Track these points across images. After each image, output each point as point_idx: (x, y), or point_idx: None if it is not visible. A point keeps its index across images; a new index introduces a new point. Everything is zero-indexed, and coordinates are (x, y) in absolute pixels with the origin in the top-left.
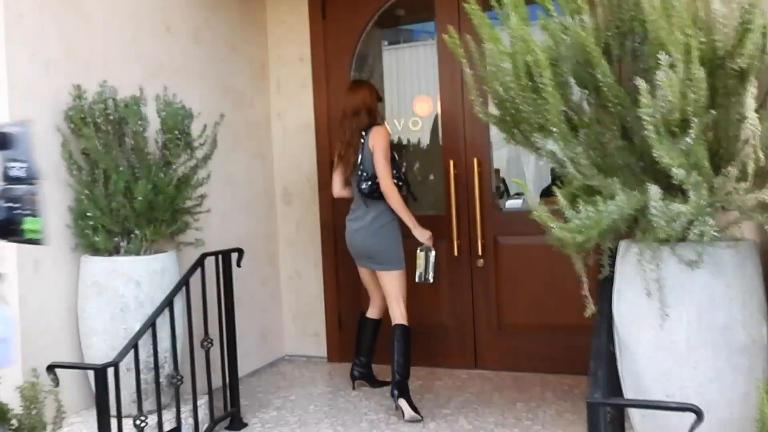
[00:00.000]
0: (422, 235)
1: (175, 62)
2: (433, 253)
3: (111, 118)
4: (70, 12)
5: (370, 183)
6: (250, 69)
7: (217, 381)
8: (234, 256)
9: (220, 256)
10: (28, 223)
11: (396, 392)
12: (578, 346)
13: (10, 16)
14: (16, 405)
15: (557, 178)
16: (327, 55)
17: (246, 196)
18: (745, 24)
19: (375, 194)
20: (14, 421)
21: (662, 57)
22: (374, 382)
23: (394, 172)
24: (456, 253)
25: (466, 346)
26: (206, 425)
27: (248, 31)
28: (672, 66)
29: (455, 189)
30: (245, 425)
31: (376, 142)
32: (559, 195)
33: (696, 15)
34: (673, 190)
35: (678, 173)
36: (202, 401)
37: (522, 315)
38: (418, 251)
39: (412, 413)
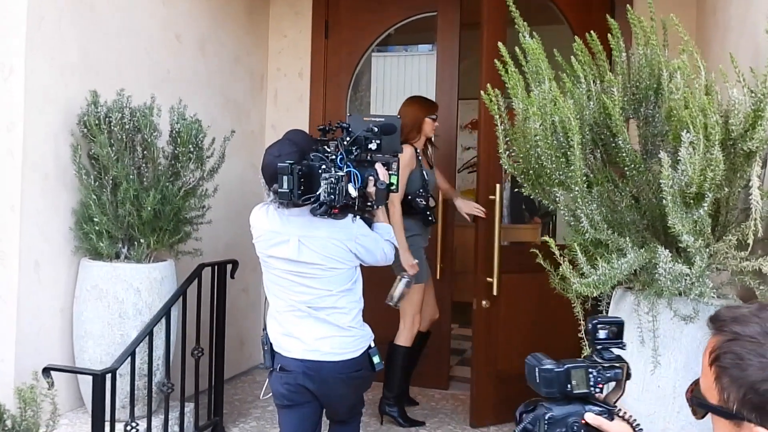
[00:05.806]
0: (407, 260)
1: (182, 71)
2: (405, 281)
3: (126, 126)
4: (87, 18)
5: None
6: (250, 80)
7: (199, 388)
8: (229, 267)
9: (216, 267)
10: (393, 179)
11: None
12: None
13: (32, 21)
14: (9, 404)
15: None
16: (326, 72)
17: (237, 205)
18: (758, 111)
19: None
20: (9, 422)
21: (684, 135)
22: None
23: (420, 191)
24: (438, 277)
25: (442, 367)
26: None
27: (251, 42)
28: (692, 143)
29: (443, 213)
30: None
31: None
32: (577, 248)
33: (713, 98)
34: (672, 247)
35: (687, 239)
36: (188, 409)
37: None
38: (399, 277)
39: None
